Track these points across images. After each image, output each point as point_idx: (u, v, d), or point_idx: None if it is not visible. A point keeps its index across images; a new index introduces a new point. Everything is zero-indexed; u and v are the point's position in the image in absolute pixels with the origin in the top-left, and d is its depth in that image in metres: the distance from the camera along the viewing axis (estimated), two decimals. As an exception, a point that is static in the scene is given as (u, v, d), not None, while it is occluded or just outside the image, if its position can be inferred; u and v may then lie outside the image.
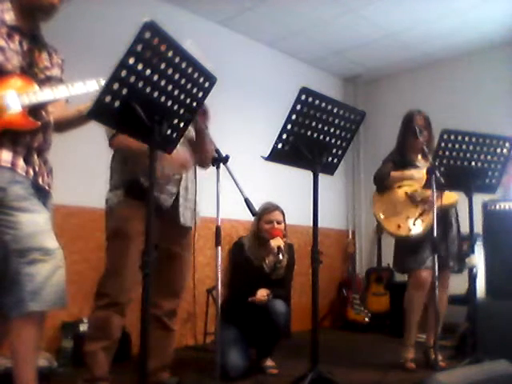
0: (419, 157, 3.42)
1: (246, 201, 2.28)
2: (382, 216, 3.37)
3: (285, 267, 3.23)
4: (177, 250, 2.55)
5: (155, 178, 1.85)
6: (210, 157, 2.42)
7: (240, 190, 2.27)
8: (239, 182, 2.30)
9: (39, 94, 1.88)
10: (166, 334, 2.56)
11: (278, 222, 3.24)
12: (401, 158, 3.41)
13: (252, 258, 3.19)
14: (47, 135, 1.99)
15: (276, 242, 3.11)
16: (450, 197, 3.21)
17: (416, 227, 3.21)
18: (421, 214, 3.22)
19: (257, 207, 3.30)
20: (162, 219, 2.29)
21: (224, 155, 2.39)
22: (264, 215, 3.25)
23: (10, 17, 1.89)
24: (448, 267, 3.26)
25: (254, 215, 2.31)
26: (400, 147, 3.45)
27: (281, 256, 3.09)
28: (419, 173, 3.25)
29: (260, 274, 3.17)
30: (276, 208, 3.29)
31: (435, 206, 2.81)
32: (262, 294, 3.08)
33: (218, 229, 2.30)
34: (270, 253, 3.15)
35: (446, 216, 3.27)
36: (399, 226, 3.27)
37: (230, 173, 2.34)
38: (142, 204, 2.25)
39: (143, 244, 2.26)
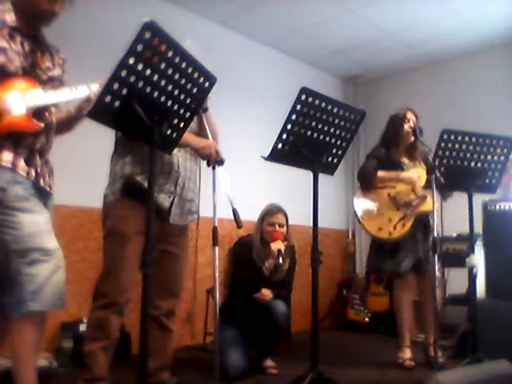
0: (404, 156, 3.40)
1: (234, 212, 2.28)
2: (363, 216, 3.35)
3: (286, 269, 3.22)
4: (172, 249, 2.53)
5: (155, 178, 1.85)
6: (206, 152, 2.42)
7: (230, 200, 2.27)
8: (233, 189, 2.29)
9: (43, 97, 1.89)
10: (164, 334, 2.55)
11: (280, 225, 3.22)
12: (386, 156, 3.37)
13: (256, 258, 3.19)
14: (49, 136, 2.00)
15: (276, 246, 3.09)
16: (429, 204, 3.23)
17: (396, 231, 3.22)
18: (402, 218, 3.23)
19: (257, 207, 3.34)
20: (157, 218, 2.28)
21: (220, 158, 2.39)
22: (267, 217, 3.25)
23: (10, 18, 1.89)
24: (426, 269, 3.25)
25: (239, 227, 2.30)
26: (386, 144, 3.41)
27: (281, 260, 3.07)
28: (408, 176, 3.26)
29: (261, 275, 3.16)
30: (279, 211, 3.26)
31: (435, 208, 2.81)
32: (266, 293, 3.08)
33: (215, 229, 2.30)
34: (270, 256, 3.14)
35: (427, 220, 3.28)
36: (380, 229, 3.27)
37: (223, 178, 2.34)
38: (139, 203, 2.26)
39: (141, 244, 2.26)
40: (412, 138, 3.28)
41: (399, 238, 3.22)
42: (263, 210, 3.32)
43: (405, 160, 3.39)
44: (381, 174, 3.30)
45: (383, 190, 3.32)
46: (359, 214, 3.35)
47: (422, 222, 3.24)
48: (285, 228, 3.25)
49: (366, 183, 3.36)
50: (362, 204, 3.38)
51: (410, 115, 3.36)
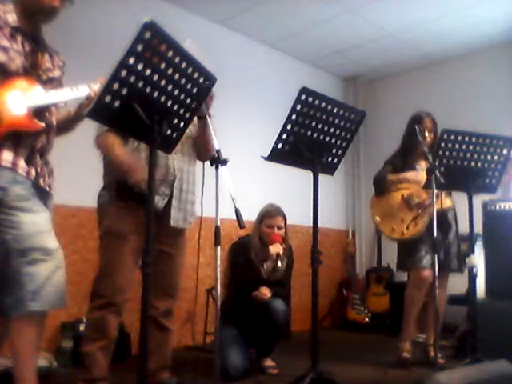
0: (422, 160, 3.39)
1: (237, 212, 2.27)
2: (378, 219, 3.42)
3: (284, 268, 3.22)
4: (168, 250, 2.53)
5: (153, 179, 1.85)
6: (210, 154, 2.40)
7: (233, 200, 2.26)
8: (235, 189, 2.28)
9: (45, 96, 1.89)
10: (163, 334, 2.55)
11: (279, 228, 3.21)
12: (402, 160, 3.40)
13: (254, 259, 3.18)
14: (50, 137, 2.00)
15: (275, 249, 3.08)
16: (446, 202, 3.24)
17: (409, 230, 3.25)
18: (415, 218, 3.25)
19: (257, 207, 3.33)
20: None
21: (223, 158, 2.38)
22: (265, 219, 3.23)
23: (12, 18, 1.89)
24: (447, 268, 3.29)
25: (241, 227, 2.29)
26: (404, 148, 3.44)
27: (279, 263, 3.07)
28: (415, 175, 3.29)
29: (259, 275, 3.16)
30: (278, 213, 3.24)
31: (435, 206, 2.81)
32: (265, 291, 3.08)
33: (217, 229, 2.29)
34: (268, 258, 3.13)
35: (444, 218, 3.28)
36: (393, 229, 3.32)
37: (227, 178, 2.33)
38: (134, 204, 2.29)
39: (136, 243, 2.26)
40: (419, 137, 3.26)
41: (413, 238, 3.23)
42: (261, 210, 3.30)
43: (422, 163, 3.38)
44: (390, 176, 3.37)
45: (397, 192, 3.36)
46: (376, 217, 3.42)
47: (440, 221, 3.22)
48: (283, 230, 3.24)
49: (379, 187, 3.43)
50: (378, 207, 3.44)
51: (426, 120, 3.35)
